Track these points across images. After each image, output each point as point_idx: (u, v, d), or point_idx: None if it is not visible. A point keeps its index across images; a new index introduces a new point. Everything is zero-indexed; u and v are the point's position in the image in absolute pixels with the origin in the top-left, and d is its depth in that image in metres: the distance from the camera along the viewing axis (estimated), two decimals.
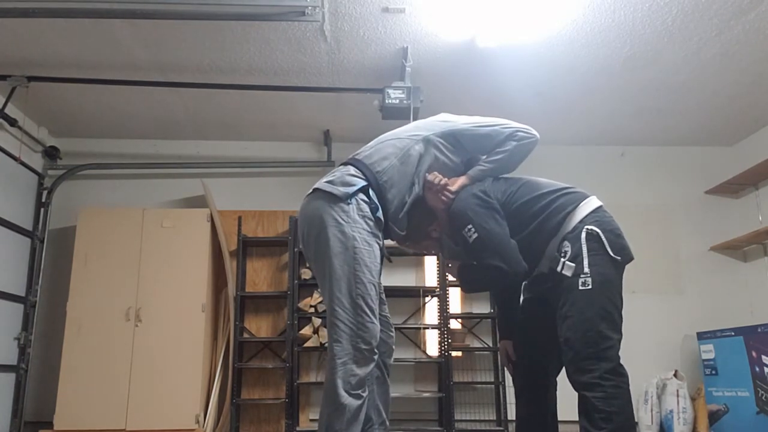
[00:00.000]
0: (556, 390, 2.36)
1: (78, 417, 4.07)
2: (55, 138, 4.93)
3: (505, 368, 2.50)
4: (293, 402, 4.37)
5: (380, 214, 2.07)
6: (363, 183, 2.05)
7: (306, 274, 4.59)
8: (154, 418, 4.10)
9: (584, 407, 2.03)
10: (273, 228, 4.85)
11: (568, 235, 2.12)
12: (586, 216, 2.13)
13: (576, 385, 2.05)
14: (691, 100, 4.36)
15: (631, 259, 2.15)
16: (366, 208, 2.02)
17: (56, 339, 4.32)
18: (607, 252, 2.07)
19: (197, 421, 4.15)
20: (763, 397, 3.91)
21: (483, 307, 4.81)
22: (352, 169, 2.11)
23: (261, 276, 4.81)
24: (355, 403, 1.88)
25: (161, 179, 5.00)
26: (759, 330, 3.98)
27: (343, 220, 1.98)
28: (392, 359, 2.19)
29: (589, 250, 2.07)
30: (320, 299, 4.51)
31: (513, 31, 3.48)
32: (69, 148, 4.93)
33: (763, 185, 4.82)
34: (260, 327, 4.71)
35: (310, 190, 2.14)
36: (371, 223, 2.03)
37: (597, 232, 2.08)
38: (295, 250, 4.60)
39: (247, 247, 4.79)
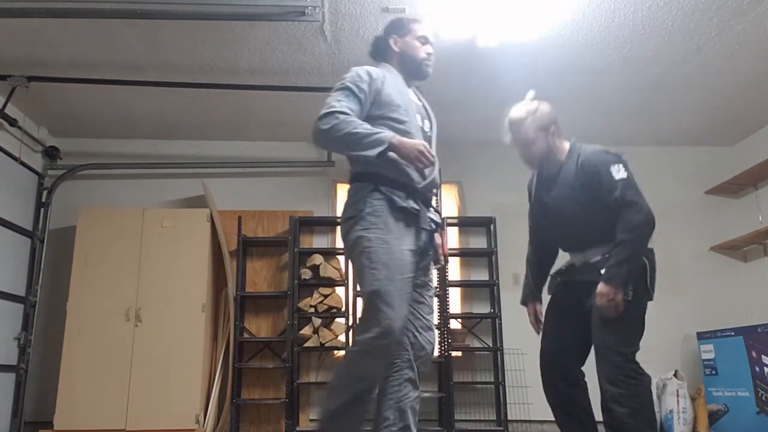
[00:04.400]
0: (585, 384, 2.45)
1: (78, 417, 4.07)
2: (55, 138, 4.93)
3: (533, 328, 2.64)
4: (293, 402, 4.37)
5: (403, 203, 2.03)
6: (368, 187, 2.03)
7: (306, 274, 4.59)
8: (154, 418, 4.11)
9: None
10: (273, 228, 4.85)
11: None
12: None
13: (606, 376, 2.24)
14: (691, 100, 4.36)
15: (651, 299, 2.34)
16: (381, 207, 2.00)
17: (56, 339, 4.31)
18: (647, 281, 2.28)
19: (197, 421, 4.14)
20: (763, 397, 3.91)
21: (483, 307, 4.81)
22: (352, 187, 2.11)
23: (261, 276, 4.81)
24: (350, 393, 1.91)
25: (161, 179, 5.00)
26: (759, 330, 3.98)
27: (360, 226, 2.00)
28: (428, 368, 2.16)
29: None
30: (320, 299, 4.52)
31: (513, 31, 3.48)
32: (69, 148, 4.93)
33: (763, 185, 4.82)
34: (260, 327, 4.71)
35: None
36: (391, 220, 2.00)
37: (645, 263, 2.28)
38: (295, 250, 4.60)
39: (247, 247, 4.79)
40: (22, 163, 4.44)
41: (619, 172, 2.28)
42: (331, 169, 4.98)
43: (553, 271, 2.64)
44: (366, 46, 3.67)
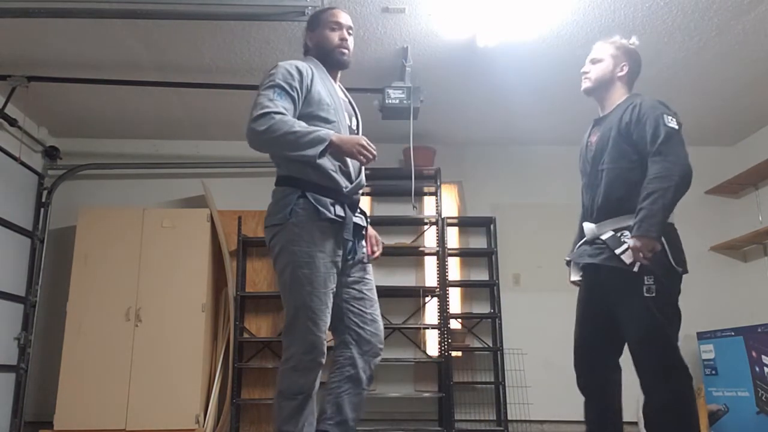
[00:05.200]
0: (620, 381, 2.34)
1: (78, 417, 4.07)
2: (55, 138, 4.93)
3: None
4: None
5: (329, 213, 2.00)
6: (294, 193, 2.00)
7: None
8: (154, 418, 4.10)
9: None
10: None
11: (632, 228, 2.12)
12: None
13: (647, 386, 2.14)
14: (691, 100, 4.36)
15: (687, 272, 2.18)
16: (306, 217, 1.98)
17: (56, 339, 4.31)
18: (669, 261, 2.12)
19: (197, 421, 4.14)
20: (763, 397, 3.91)
21: (483, 307, 4.81)
22: (278, 190, 2.07)
23: (261, 276, 4.80)
24: (290, 404, 1.97)
25: (161, 179, 5.00)
26: (759, 330, 3.98)
27: (284, 237, 1.99)
28: (378, 359, 2.12)
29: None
30: None
31: (513, 31, 3.48)
32: (69, 148, 4.93)
33: (763, 185, 4.81)
34: (260, 327, 4.70)
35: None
36: (315, 231, 1.99)
37: (662, 242, 2.12)
38: None
39: (247, 247, 4.78)
40: (22, 163, 4.44)
41: (671, 122, 2.14)
42: None
43: (567, 256, 2.50)
44: (366, 46, 3.70)
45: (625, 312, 2.18)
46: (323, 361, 2.00)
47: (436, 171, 4.77)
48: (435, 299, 4.70)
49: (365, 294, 2.13)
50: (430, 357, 4.66)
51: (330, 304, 2.01)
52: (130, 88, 4.11)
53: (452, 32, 3.51)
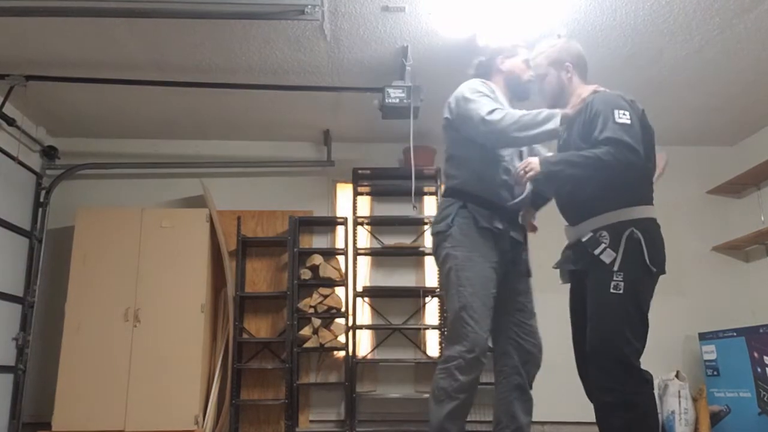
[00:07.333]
0: None
1: (77, 418, 4.05)
2: (53, 137, 4.91)
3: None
4: (293, 403, 4.35)
5: (485, 223, 2.19)
6: (456, 204, 2.21)
7: (305, 274, 4.58)
8: (153, 418, 4.09)
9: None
10: (272, 228, 4.84)
11: (610, 227, 2.09)
12: (636, 219, 2.10)
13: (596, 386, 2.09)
14: (692, 100, 4.34)
15: (664, 272, 2.12)
16: (466, 225, 2.20)
17: (55, 339, 4.30)
18: (644, 259, 2.04)
19: (196, 422, 4.13)
20: (765, 398, 3.89)
21: None
22: (444, 201, 2.31)
23: (260, 276, 4.79)
24: (452, 404, 2.09)
25: (160, 179, 4.98)
26: (761, 330, 3.97)
27: (449, 243, 2.19)
28: (538, 369, 2.32)
29: (626, 252, 2.04)
30: (320, 299, 4.50)
31: (513, 30, 3.46)
32: (67, 147, 4.91)
33: (765, 185, 4.80)
34: (260, 327, 4.69)
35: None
36: (476, 237, 2.18)
37: (639, 238, 2.05)
38: (295, 250, 4.58)
39: (247, 247, 4.77)
40: (20, 163, 4.42)
41: (621, 117, 2.07)
42: (331, 169, 4.97)
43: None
44: (366, 45, 3.69)
45: (590, 307, 2.11)
46: (485, 361, 2.12)
47: (436, 171, 4.75)
48: (435, 299, 4.69)
49: (526, 306, 2.31)
50: (430, 358, 4.64)
51: (491, 307, 2.16)
52: (130, 87, 4.09)
53: (452, 31, 3.50)
